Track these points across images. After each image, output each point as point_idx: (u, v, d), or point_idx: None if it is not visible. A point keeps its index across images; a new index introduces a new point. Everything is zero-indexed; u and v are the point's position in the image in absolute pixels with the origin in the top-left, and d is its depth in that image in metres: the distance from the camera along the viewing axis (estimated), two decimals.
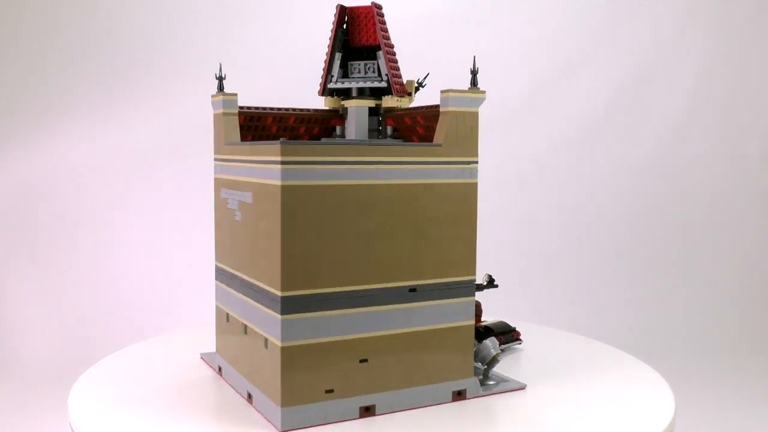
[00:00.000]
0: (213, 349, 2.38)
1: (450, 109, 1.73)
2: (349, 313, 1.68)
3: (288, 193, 1.58)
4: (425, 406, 1.76)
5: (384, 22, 2.12)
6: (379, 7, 2.04)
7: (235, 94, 1.87)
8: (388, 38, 2.12)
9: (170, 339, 2.52)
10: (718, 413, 3.80)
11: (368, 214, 1.67)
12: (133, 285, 4.81)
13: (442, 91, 1.74)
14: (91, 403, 1.87)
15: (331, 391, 1.67)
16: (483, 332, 2.08)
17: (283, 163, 1.58)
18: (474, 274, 1.79)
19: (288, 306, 1.60)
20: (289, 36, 5.03)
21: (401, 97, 2.11)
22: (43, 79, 4.99)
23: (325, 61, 2.00)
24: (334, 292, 1.66)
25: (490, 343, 1.89)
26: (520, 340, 2.23)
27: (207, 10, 5.08)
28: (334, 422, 1.67)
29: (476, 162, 1.77)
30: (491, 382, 1.89)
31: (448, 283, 1.77)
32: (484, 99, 1.76)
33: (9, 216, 4.86)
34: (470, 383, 1.82)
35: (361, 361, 1.72)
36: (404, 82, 2.08)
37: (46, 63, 5.00)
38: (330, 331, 1.66)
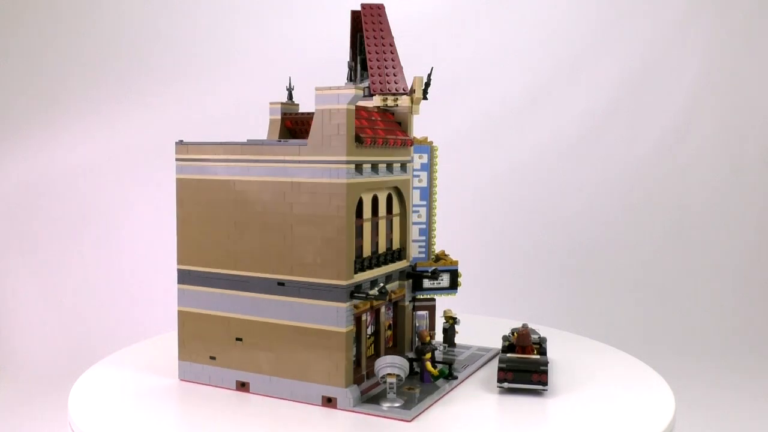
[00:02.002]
0: None
1: (317, 107, 1.74)
2: (226, 294, 1.89)
3: (180, 185, 1.96)
4: (296, 401, 1.80)
5: (372, 22, 2.13)
6: (367, 8, 2.08)
7: (279, 103, 2.11)
8: (378, 37, 2.13)
9: (170, 339, 2.52)
10: (718, 413, 3.81)
11: (242, 207, 1.84)
12: (134, 285, 4.80)
13: (316, 89, 1.75)
14: (91, 403, 1.87)
15: (214, 358, 1.93)
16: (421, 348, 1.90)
17: (176, 159, 1.96)
18: (343, 278, 1.72)
19: (181, 277, 1.98)
20: (289, 37, 5.03)
21: (384, 96, 2.11)
22: (44, 79, 5.01)
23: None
24: (214, 273, 1.91)
25: (389, 360, 1.74)
26: (543, 384, 1.82)
27: (207, 10, 5.08)
28: (216, 386, 1.92)
29: (343, 162, 1.70)
30: (395, 405, 1.74)
31: (314, 283, 1.76)
32: (355, 96, 1.71)
33: (9, 216, 4.88)
34: (341, 393, 1.74)
35: (237, 339, 1.89)
36: (405, 80, 2.06)
37: (46, 63, 5.02)
38: (210, 305, 1.92)
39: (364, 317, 1.85)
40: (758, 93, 5.38)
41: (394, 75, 2.10)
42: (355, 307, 1.76)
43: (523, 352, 1.91)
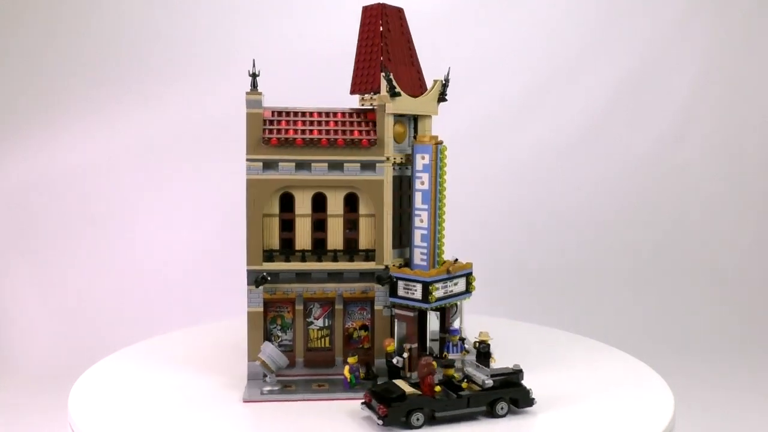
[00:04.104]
0: (214, 348, 2.41)
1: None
2: None
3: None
4: None
5: (363, 24, 2.19)
6: (365, 10, 2.18)
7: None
8: (364, 38, 2.20)
9: (170, 339, 2.52)
10: (718, 413, 3.81)
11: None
12: (134, 285, 4.81)
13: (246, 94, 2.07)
14: (91, 403, 1.88)
15: None
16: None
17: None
18: (247, 264, 2.03)
19: None
20: (289, 37, 5.04)
21: (362, 96, 2.15)
22: (44, 79, 5.01)
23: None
24: None
25: (268, 350, 1.94)
26: (378, 416, 1.71)
27: (207, 10, 5.08)
28: None
29: (249, 159, 2.03)
30: (275, 388, 1.95)
31: None
32: (249, 101, 2.03)
33: (9, 216, 4.88)
34: (248, 367, 2.06)
35: None
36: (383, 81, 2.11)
37: (46, 63, 5.03)
38: None
39: (299, 306, 2.09)
40: (759, 93, 5.39)
41: (368, 75, 2.13)
42: (267, 291, 2.06)
43: (422, 383, 1.77)
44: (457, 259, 2.16)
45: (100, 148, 5.07)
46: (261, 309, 2.05)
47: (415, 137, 2.16)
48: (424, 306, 2.00)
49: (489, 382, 1.78)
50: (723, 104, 5.45)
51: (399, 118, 2.12)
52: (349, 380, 1.92)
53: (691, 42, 5.39)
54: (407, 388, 1.76)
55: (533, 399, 1.81)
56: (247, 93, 2.05)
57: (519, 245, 5.21)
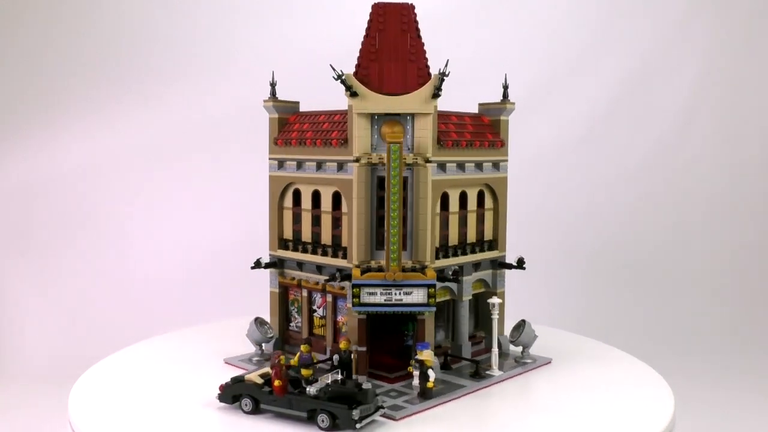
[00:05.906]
0: (212, 348, 2.41)
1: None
2: None
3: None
4: None
5: (368, 22, 2.19)
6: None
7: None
8: (364, 36, 2.20)
9: (170, 339, 2.53)
10: (718, 413, 3.82)
11: None
12: (134, 285, 4.81)
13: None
14: (91, 403, 1.88)
15: None
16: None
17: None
18: (270, 249, 2.32)
19: None
20: (289, 37, 5.04)
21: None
22: (44, 79, 5.02)
23: None
24: None
25: (252, 328, 2.23)
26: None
27: (207, 10, 5.08)
28: None
29: (270, 159, 2.29)
30: (261, 359, 2.25)
31: None
32: (264, 107, 2.25)
33: (9, 216, 4.88)
34: None
35: None
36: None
37: (46, 63, 5.03)
38: None
39: (305, 293, 2.24)
40: (759, 94, 5.39)
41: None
42: (281, 276, 2.29)
43: (278, 387, 1.76)
44: (418, 267, 1.97)
45: (100, 148, 5.07)
46: (277, 290, 2.31)
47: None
48: (353, 308, 1.92)
49: (311, 391, 1.73)
50: (724, 105, 5.45)
51: (395, 117, 2.05)
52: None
53: (691, 43, 5.39)
54: (254, 377, 1.82)
55: (355, 422, 1.66)
56: (265, 101, 2.27)
57: (520, 246, 5.20)
